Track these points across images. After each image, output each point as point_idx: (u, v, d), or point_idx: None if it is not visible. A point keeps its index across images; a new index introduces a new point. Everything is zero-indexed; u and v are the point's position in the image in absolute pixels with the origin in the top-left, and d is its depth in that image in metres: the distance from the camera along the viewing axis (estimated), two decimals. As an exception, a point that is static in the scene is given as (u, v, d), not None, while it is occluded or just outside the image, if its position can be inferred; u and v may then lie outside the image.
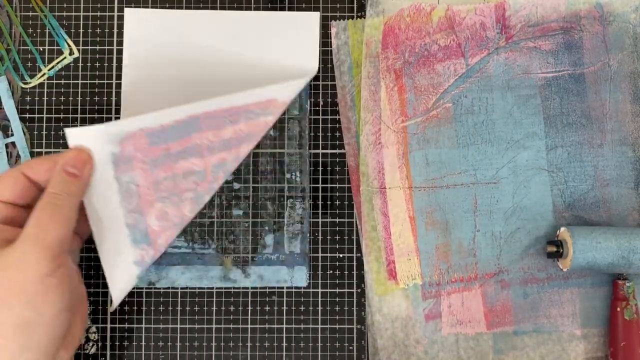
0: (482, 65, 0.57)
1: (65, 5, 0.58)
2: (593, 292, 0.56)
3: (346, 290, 0.57)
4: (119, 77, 0.58)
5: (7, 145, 0.57)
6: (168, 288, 0.56)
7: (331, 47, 0.58)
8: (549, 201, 0.56)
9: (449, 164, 0.56)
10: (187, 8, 0.58)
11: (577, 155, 0.56)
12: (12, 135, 0.57)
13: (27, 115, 0.57)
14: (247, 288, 0.57)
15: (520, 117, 0.56)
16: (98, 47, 0.58)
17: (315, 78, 0.58)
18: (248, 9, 0.58)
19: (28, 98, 0.57)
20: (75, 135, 0.50)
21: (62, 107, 0.57)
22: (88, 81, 0.58)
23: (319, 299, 0.57)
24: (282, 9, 0.58)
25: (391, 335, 0.55)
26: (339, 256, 0.57)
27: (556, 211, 0.56)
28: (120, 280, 0.52)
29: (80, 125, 0.57)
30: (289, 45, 0.57)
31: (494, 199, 0.56)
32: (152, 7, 0.58)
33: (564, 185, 0.56)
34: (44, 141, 0.57)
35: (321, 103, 0.58)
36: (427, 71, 0.57)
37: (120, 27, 0.58)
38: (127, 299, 0.56)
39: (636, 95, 0.56)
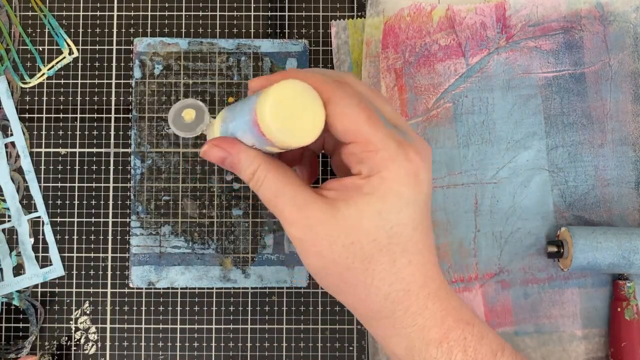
0: (482, 65, 0.56)
1: (64, 5, 0.58)
2: (594, 292, 0.56)
3: (346, 290, 0.57)
4: (118, 77, 0.58)
5: (6, 145, 0.57)
6: (168, 288, 0.56)
7: (331, 46, 0.58)
8: (550, 201, 0.56)
9: (450, 163, 0.56)
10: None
11: (577, 155, 0.56)
12: (12, 135, 0.57)
13: (27, 115, 0.57)
14: (247, 288, 0.57)
15: (521, 117, 0.56)
16: (97, 47, 0.58)
17: (315, 78, 0.58)
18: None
19: (27, 98, 0.57)
20: None
21: (61, 107, 0.57)
22: (88, 81, 0.57)
23: (319, 299, 0.56)
24: (282, 9, 0.58)
25: (391, 335, 0.55)
26: (339, 256, 0.57)
27: (557, 211, 0.56)
28: None
29: (79, 125, 0.57)
30: None
31: (494, 198, 0.56)
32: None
33: (565, 185, 0.56)
34: (43, 141, 0.57)
35: (321, 103, 0.57)
36: (428, 71, 0.57)
37: (120, 27, 0.58)
38: (126, 299, 0.56)
39: (637, 95, 0.56)
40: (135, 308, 0.56)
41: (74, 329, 0.56)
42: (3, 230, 0.57)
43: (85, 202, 0.57)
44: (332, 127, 0.39)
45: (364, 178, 0.39)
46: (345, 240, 0.39)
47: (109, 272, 0.57)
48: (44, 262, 0.57)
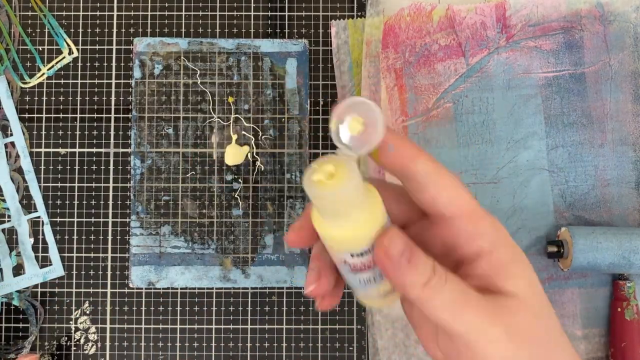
0: (482, 64, 0.56)
1: (64, 5, 0.58)
2: (594, 293, 0.56)
3: (346, 290, 0.57)
4: (118, 77, 0.58)
5: (6, 145, 0.57)
6: (168, 288, 0.56)
7: (331, 46, 0.58)
8: (550, 201, 0.56)
9: (450, 163, 0.56)
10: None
11: (577, 155, 0.56)
12: (12, 135, 0.57)
13: (27, 115, 0.57)
14: (247, 288, 0.57)
15: (521, 117, 0.56)
16: (97, 47, 0.58)
17: (315, 78, 0.57)
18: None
19: (27, 98, 0.57)
20: None
21: (61, 107, 0.57)
22: (87, 81, 0.57)
23: (319, 299, 0.56)
24: (282, 9, 0.58)
25: (391, 335, 0.55)
26: (339, 256, 0.57)
27: (557, 211, 0.56)
28: None
29: (79, 125, 0.57)
30: None
31: (494, 198, 0.56)
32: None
33: (565, 185, 0.56)
34: (43, 141, 0.57)
35: (321, 103, 0.57)
36: (428, 71, 0.57)
37: (120, 26, 0.58)
38: (126, 299, 0.56)
39: (637, 95, 0.56)
40: (135, 308, 0.56)
41: (73, 329, 0.56)
42: (3, 230, 0.57)
43: (85, 202, 0.57)
44: (436, 199, 0.33)
45: (489, 253, 0.34)
46: (547, 311, 0.35)
47: (109, 272, 0.57)
48: (44, 262, 0.57)
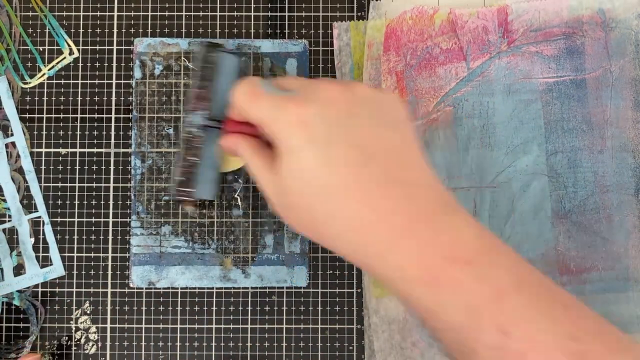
0: (483, 69, 0.56)
1: (65, 5, 0.57)
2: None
3: (346, 290, 0.57)
4: (118, 77, 0.57)
5: (7, 145, 0.57)
6: (168, 288, 0.57)
7: (331, 47, 0.58)
8: (548, 206, 0.56)
9: (449, 167, 0.56)
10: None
11: (577, 161, 0.56)
12: (12, 135, 0.57)
13: (27, 115, 0.57)
14: (247, 288, 0.57)
15: (521, 122, 0.56)
16: (98, 47, 0.58)
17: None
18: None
19: (28, 98, 0.57)
20: None
21: (62, 107, 0.57)
22: (88, 81, 0.57)
23: (319, 299, 0.57)
24: (282, 9, 0.58)
25: (388, 337, 0.56)
26: (339, 256, 0.57)
27: (555, 216, 0.56)
28: None
29: (80, 125, 0.57)
30: None
31: (493, 203, 0.56)
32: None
33: (564, 190, 0.56)
34: (43, 141, 0.57)
35: (322, 105, 0.57)
36: (429, 74, 0.57)
37: (120, 27, 0.58)
38: (127, 299, 0.57)
39: (637, 101, 0.56)
40: (135, 308, 0.57)
41: (74, 328, 0.57)
42: (3, 230, 0.57)
43: (85, 202, 0.57)
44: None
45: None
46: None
47: (109, 272, 0.57)
48: (45, 262, 0.57)
